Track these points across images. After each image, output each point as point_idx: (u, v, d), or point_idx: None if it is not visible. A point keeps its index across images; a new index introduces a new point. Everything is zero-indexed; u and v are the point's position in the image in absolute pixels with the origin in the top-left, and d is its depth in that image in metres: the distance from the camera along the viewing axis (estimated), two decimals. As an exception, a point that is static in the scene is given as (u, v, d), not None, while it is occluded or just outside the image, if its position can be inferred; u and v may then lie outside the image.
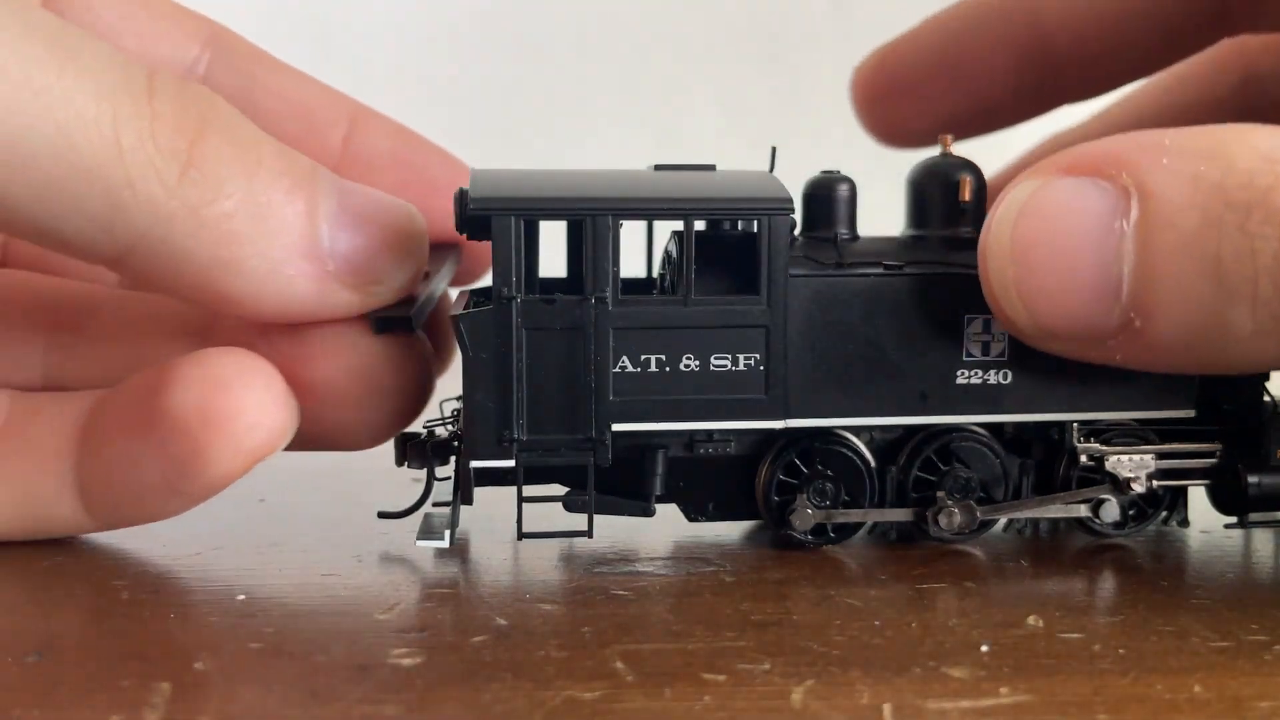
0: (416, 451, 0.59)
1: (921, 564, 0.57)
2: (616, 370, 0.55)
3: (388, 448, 0.60)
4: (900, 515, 0.58)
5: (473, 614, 0.50)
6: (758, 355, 0.55)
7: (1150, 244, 0.47)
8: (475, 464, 0.55)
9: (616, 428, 0.55)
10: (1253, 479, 0.58)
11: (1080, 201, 0.49)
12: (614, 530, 0.59)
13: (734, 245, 0.57)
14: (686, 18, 1.45)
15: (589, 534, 0.57)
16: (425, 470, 0.59)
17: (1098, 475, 0.58)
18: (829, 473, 0.58)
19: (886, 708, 0.41)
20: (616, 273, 0.54)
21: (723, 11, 1.45)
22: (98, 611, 0.50)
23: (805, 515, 0.57)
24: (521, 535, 0.56)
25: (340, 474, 0.74)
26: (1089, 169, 0.49)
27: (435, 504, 0.60)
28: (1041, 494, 0.59)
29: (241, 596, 0.52)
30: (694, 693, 0.42)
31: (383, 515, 0.60)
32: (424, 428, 0.61)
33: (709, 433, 0.56)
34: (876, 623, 0.49)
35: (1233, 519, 0.60)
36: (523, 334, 0.54)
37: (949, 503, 0.57)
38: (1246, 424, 0.58)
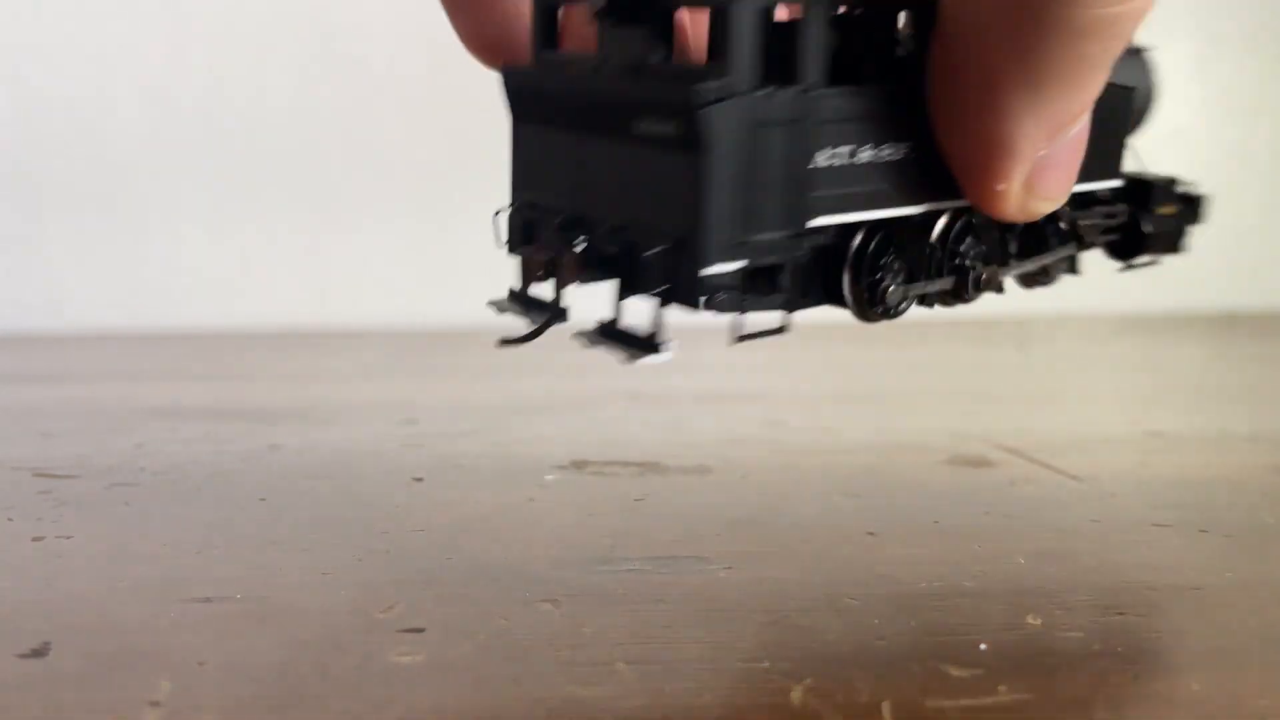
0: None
1: (922, 563, 0.57)
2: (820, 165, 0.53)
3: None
4: (945, 285, 0.62)
5: (473, 614, 0.50)
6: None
7: None
8: (706, 271, 0.51)
9: (816, 222, 0.53)
10: (1145, 226, 0.72)
11: None
12: (614, 529, 0.59)
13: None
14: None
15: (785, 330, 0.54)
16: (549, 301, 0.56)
17: (1068, 233, 0.68)
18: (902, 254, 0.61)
19: (885, 706, 0.41)
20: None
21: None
22: (98, 611, 0.50)
23: (897, 290, 0.59)
24: (739, 338, 0.52)
25: (340, 474, 0.74)
26: None
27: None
28: (1030, 253, 0.67)
29: (239, 595, 0.52)
30: (694, 691, 0.42)
31: (505, 343, 0.56)
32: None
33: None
34: (876, 621, 0.49)
35: (1124, 264, 0.72)
36: (761, 129, 0.51)
37: (980, 267, 0.63)
38: (1140, 189, 0.73)
